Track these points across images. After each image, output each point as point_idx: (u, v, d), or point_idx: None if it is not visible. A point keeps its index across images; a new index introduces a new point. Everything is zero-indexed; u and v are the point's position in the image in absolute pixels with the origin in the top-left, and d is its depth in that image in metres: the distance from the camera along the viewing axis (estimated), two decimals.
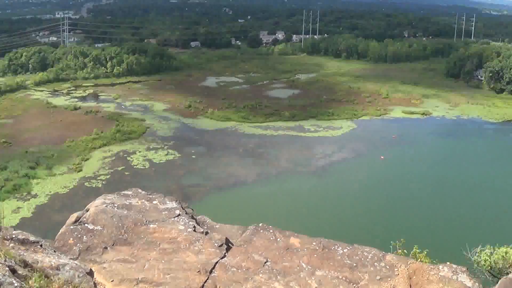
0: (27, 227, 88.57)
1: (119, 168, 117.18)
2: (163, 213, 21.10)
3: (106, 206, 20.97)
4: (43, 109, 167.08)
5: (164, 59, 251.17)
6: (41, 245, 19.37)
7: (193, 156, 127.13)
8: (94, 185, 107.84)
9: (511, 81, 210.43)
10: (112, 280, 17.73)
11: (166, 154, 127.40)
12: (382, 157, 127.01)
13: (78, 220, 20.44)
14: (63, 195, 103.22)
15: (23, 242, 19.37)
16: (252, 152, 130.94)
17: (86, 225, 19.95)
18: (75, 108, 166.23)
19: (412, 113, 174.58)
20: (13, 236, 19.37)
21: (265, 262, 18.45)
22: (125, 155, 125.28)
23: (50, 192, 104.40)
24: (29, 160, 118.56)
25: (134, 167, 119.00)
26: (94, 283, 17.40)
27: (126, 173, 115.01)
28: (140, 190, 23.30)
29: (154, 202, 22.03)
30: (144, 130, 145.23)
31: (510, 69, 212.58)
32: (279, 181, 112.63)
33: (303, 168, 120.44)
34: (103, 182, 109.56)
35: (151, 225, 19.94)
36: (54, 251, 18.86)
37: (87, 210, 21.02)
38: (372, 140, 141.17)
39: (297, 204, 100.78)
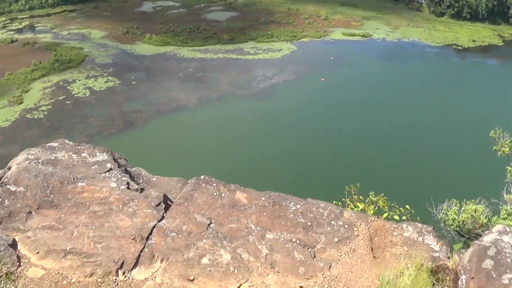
0: None
1: (60, 98, 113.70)
2: (92, 167, 18.19)
3: (30, 162, 18.05)
4: None
5: None
6: None
7: (133, 82, 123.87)
8: (36, 116, 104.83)
9: (451, 4, 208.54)
10: (37, 251, 15.15)
11: (106, 82, 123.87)
12: (322, 79, 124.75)
13: None
14: (5, 128, 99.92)
15: None
16: (192, 76, 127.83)
17: (7, 186, 17.04)
18: (12, 41, 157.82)
19: (352, 35, 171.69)
20: None
21: (209, 224, 15.77)
22: (65, 85, 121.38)
23: None
24: None
25: (75, 96, 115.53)
26: (18, 256, 14.94)
27: (67, 102, 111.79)
28: (67, 141, 20.19)
29: (83, 154, 19.01)
30: (82, 58, 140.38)
31: None
32: (221, 105, 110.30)
33: (244, 91, 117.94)
34: (45, 113, 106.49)
35: (80, 183, 17.10)
36: None
37: (9, 168, 18.23)
38: (312, 62, 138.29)
39: (240, 129, 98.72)
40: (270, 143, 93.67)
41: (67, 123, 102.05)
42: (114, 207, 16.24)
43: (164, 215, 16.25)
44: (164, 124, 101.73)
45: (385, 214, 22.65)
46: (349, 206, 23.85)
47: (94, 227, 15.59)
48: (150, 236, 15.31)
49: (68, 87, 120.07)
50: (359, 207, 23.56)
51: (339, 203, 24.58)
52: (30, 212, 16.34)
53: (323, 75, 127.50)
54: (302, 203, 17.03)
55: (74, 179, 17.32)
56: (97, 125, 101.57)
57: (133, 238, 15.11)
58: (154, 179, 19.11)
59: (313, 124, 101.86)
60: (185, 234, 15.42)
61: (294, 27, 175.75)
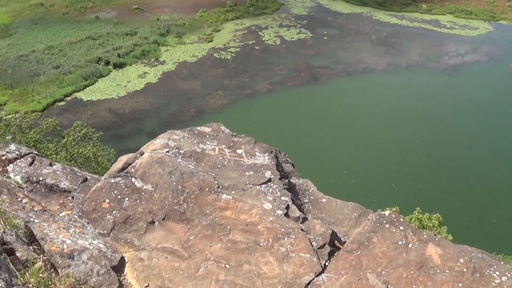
0: (152, 92, 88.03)
1: (250, 42, 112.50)
2: (246, 173, 13.21)
3: (167, 152, 13.56)
4: None
5: None
6: (72, 197, 12.85)
7: (325, 38, 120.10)
8: (223, 57, 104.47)
9: None
10: (146, 285, 10.72)
11: (298, 33, 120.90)
12: None
13: (126, 168, 13.20)
14: (191, 63, 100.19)
15: (51, 189, 12.96)
16: (384, 41, 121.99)
17: (132, 179, 12.74)
18: None
19: None
20: (40, 179, 12.78)
21: None
22: (256, 30, 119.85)
23: (178, 60, 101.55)
24: (160, 27, 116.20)
25: (265, 42, 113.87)
26: (120, 285, 10.62)
27: (256, 47, 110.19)
28: (223, 128, 15.00)
29: (239, 151, 14.09)
30: (278, 6, 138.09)
31: None
32: (408, 74, 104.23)
33: (433, 64, 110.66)
34: (232, 54, 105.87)
35: (224, 195, 12.34)
36: (81, 217, 12.09)
37: (142, 154, 13.73)
38: (508, 46, 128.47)
39: (424, 101, 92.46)
40: (458, 128, 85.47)
41: (252, 68, 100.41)
42: (262, 240, 11.34)
43: (326, 264, 11.17)
44: (348, 85, 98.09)
45: None
46: None
47: (228, 266, 10.89)
48: None
49: (260, 33, 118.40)
50: None
51: None
52: (152, 222, 12.02)
53: None
54: (510, 274, 11.23)
55: (218, 187, 12.54)
56: (282, 74, 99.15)
57: None
58: (323, 200, 13.69)
59: (505, 114, 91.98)
60: None
61: (494, 7, 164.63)
